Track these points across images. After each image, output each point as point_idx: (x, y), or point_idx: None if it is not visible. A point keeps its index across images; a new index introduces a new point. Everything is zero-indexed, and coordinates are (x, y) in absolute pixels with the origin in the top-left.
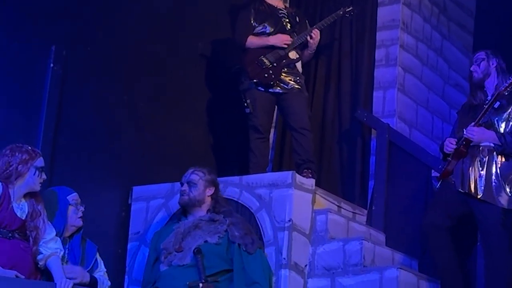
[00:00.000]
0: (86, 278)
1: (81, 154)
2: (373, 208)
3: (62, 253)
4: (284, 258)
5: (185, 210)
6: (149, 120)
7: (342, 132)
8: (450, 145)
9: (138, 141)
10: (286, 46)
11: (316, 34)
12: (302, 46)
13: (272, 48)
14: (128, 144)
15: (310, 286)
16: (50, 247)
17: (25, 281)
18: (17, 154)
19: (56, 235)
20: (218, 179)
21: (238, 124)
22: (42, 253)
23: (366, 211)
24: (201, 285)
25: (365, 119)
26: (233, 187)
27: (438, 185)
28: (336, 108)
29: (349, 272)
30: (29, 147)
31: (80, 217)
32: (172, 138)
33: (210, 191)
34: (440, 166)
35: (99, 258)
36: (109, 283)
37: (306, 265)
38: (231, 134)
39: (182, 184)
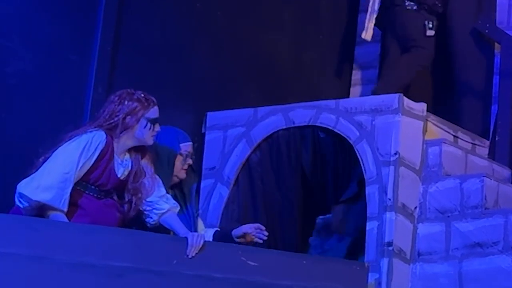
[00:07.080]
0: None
1: (144, 73)
2: (497, 139)
3: (178, 208)
4: (390, 199)
5: None
6: (227, 32)
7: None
8: None
9: (214, 58)
10: None
11: None
12: None
13: None
14: (201, 61)
15: (421, 232)
16: (163, 204)
17: (153, 235)
18: (126, 102)
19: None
20: (310, 103)
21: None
22: (155, 209)
23: (488, 142)
24: None
25: (487, 31)
26: (328, 113)
27: None
28: (452, 18)
29: (468, 216)
30: (142, 94)
31: (185, 169)
32: (255, 53)
33: None
34: None
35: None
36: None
37: (416, 207)
38: (324, 49)
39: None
